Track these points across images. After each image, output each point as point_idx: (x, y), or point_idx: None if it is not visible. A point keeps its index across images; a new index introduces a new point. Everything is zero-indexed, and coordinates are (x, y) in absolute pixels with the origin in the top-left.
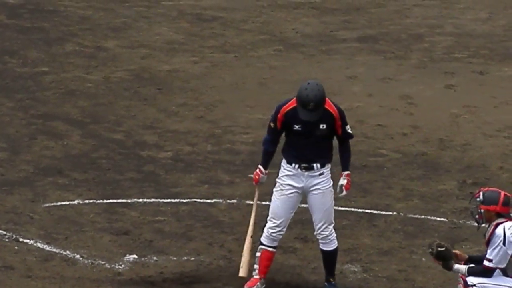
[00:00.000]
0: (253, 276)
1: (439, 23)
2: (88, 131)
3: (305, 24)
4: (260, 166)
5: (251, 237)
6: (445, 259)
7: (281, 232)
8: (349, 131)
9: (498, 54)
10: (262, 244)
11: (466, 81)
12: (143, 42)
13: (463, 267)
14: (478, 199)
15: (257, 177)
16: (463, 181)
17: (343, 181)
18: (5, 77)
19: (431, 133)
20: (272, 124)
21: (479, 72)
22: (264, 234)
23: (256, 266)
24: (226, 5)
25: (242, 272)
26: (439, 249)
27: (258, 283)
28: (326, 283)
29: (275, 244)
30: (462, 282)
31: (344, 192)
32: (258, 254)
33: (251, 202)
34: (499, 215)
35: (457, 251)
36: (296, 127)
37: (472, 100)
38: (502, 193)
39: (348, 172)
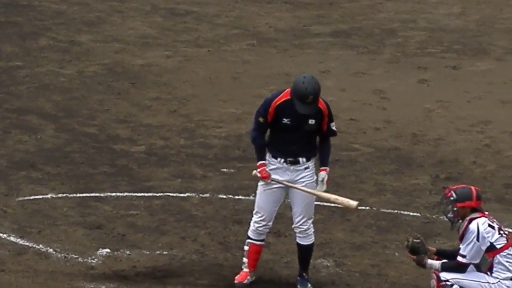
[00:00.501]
0: (242, 269)
1: (412, 18)
2: (62, 125)
3: (278, 18)
4: (260, 162)
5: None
6: (418, 252)
7: (268, 226)
8: (334, 128)
9: (471, 49)
10: (249, 238)
11: (439, 76)
12: (116, 36)
13: (436, 263)
14: (451, 198)
15: (264, 172)
16: (436, 176)
17: (324, 176)
18: None
19: (404, 128)
20: (261, 119)
21: (452, 67)
22: (250, 229)
23: (245, 260)
24: None
25: (352, 204)
26: (415, 240)
27: (248, 277)
28: (298, 278)
29: (262, 237)
30: (435, 277)
31: (325, 187)
32: (246, 248)
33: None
34: (473, 210)
35: (429, 247)
36: (285, 120)
37: (445, 95)
38: (473, 188)
39: (327, 167)
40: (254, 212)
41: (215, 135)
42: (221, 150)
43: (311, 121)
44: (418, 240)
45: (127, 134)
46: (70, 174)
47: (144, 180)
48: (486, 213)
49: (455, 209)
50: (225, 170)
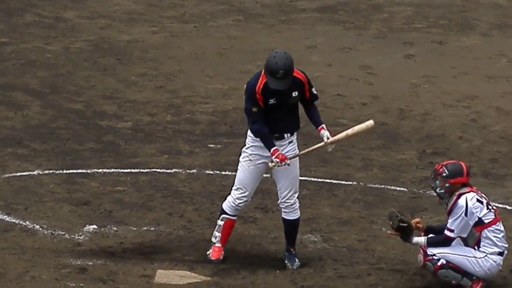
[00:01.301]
0: (214, 243)
1: None
2: (48, 101)
3: None
4: (273, 149)
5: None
6: (405, 233)
7: (247, 202)
8: (315, 92)
9: (457, 24)
10: (224, 213)
11: (425, 51)
12: (102, 12)
13: (422, 239)
14: (444, 174)
15: (281, 156)
16: (423, 151)
17: (326, 132)
18: None
19: (390, 103)
20: (255, 109)
21: (438, 42)
22: (228, 204)
23: (218, 234)
24: None
25: (369, 124)
26: (400, 224)
27: (222, 252)
28: (286, 253)
29: (237, 213)
30: (422, 252)
31: (331, 139)
32: (220, 223)
33: (211, 172)
34: (464, 185)
35: (417, 220)
36: (271, 101)
37: (432, 70)
38: (462, 163)
39: (323, 124)
40: (234, 188)
41: (202, 110)
42: (208, 125)
43: (295, 94)
44: (405, 224)
45: (113, 110)
46: (57, 150)
47: (131, 156)
48: (474, 188)
49: (447, 185)
50: (212, 146)
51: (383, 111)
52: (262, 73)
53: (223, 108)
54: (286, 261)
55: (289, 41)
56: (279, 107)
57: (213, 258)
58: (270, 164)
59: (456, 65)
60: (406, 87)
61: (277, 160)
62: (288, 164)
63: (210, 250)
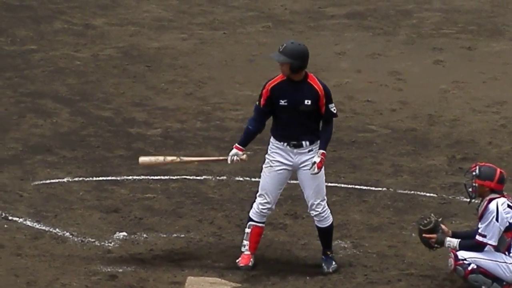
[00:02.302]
0: (243, 252)
1: None
2: (77, 108)
3: (293, 0)
4: (236, 144)
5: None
6: (437, 232)
7: (271, 208)
8: (333, 110)
9: (486, 29)
10: (251, 220)
11: (455, 56)
12: (131, 19)
13: (455, 241)
14: (474, 173)
15: (233, 156)
16: (452, 157)
17: (316, 159)
18: None
19: (420, 109)
20: (257, 102)
21: (467, 47)
22: (253, 210)
23: (246, 242)
24: None
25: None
26: (437, 219)
27: (251, 259)
28: (323, 256)
29: (264, 219)
30: (453, 256)
31: (316, 170)
32: (248, 230)
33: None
34: (492, 191)
35: (442, 226)
36: (282, 102)
37: (461, 76)
38: (498, 170)
39: (323, 151)
40: (258, 194)
41: (231, 117)
42: (238, 132)
43: (307, 102)
44: (440, 219)
45: (143, 117)
46: (86, 157)
47: None
48: (506, 194)
49: (474, 184)
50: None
51: (413, 117)
52: (281, 74)
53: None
54: (324, 265)
55: (318, 47)
56: (290, 110)
57: (242, 265)
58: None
59: (485, 71)
60: (435, 92)
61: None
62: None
63: (240, 258)
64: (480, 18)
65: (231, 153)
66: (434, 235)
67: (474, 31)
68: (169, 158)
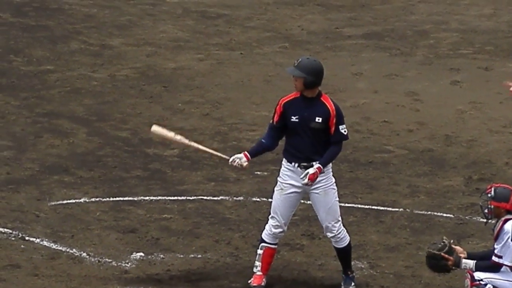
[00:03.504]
0: (255, 272)
1: (444, 19)
2: (94, 129)
3: (310, 21)
4: (245, 151)
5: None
6: (452, 253)
7: (283, 231)
8: (343, 131)
9: (503, 50)
10: (263, 241)
11: (472, 77)
12: (148, 40)
13: (471, 262)
14: (489, 195)
15: (237, 162)
16: (469, 177)
17: (311, 170)
18: (10, 75)
19: (437, 129)
20: (271, 121)
21: (485, 68)
22: (266, 232)
23: (258, 263)
24: (230, 2)
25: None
26: (449, 241)
27: (264, 279)
28: (343, 275)
29: (276, 241)
30: (469, 277)
31: (306, 181)
32: (260, 251)
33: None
34: (508, 212)
35: (456, 247)
36: (293, 118)
37: (478, 96)
38: None
39: (320, 166)
40: (270, 216)
41: (248, 138)
42: None
43: (318, 119)
44: (452, 241)
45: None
46: (103, 178)
47: (178, 183)
48: None
49: (490, 206)
50: (258, 173)
51: (430, 138)
52: (296, 92)
53: None
54: (342, 284)
55: (335, 68)
56: (302, 128)
57: (254, 285)
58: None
59: (502, 91)
60: (452, 113)
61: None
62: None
63: (252, 278)
64: (496, 38)
65: (236, 155)
66: (451, 257)
67: (491, 52)
68: (178, 137)
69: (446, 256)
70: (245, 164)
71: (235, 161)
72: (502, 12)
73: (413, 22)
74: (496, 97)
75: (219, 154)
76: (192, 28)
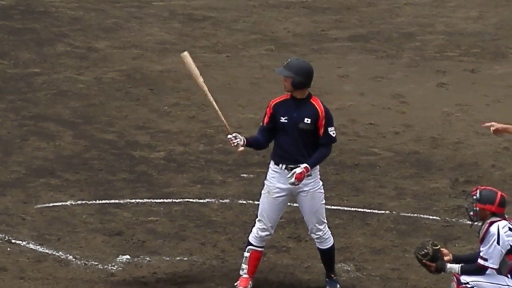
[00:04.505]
0: (241, 275)
1: (430, 21)
2: (80, 131)
3: (296, 23)
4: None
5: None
6: (437, 259)
7: (270, 234)
8: (332, 133)
9: (490, 52)
10: (250, 244)
11: (458, 79)
12: (134, 42)
13: (456, 266)
14: (474, 197)
15: (234, 142)
16: (456, 180)
17: (298, 170)
18: None
19: (423, 132)
20: (261, 123)
21: (471, 70)
22: (253, 235)
23: (244, 266)
24: (217, 5)
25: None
26: (434, 248)
27: (250, 282)
28: (327, 279)
29: (263, 244)
30: (455, 280)
31: (293, 180)
32: (246, 254)
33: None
34: (493, 214)
35: (442, 249)
36: (283, 119)
37: (464, 99)
38: (499, 193)
39: (307, 166)
40: (257, 219)
41: None
42: (241, 155)
43: (307, 120)
44: (437, 247)
45: (146, 140)
46: (89, 181)
47: (164, 186)
48: (507, 217)
49: (475, 208)
50: (244, 175)
51: (416, 140)
52: (286, 94)
53: None
54: (327, 287)
55: (321, 70)
56: (290, 129)
57: (240, 287)
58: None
59: (489, 93)
60: (439, 115)
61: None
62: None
63: (238, 281)
64: (483, 41)
65: (238, 135)
66: (433, 264)
67: (478, 54)
68: (201, 80)
69: (428, 263)
70: (241, 148)
71: (235, 139)
72: (488, 15)
73: (399, 25)
74: (482, 99)
75: (225, 122)
76: (179, 31)
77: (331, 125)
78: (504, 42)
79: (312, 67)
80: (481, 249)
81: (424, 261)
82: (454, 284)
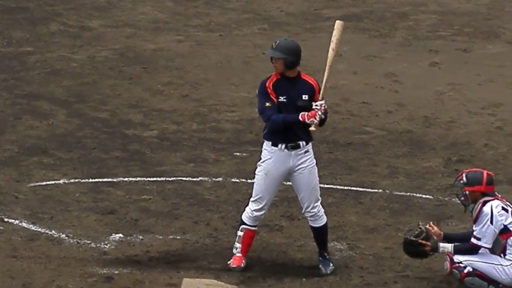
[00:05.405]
0: (234, 254)
1: (423, 1)
2: (73, 110)
3: (289, 2)
4: (300, 114)
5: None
6: (430, 238)
7: (264, 213)
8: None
9: (482, 32)
10: (244, 223)
11: (451, 59)
12: (127, 21)
13: (448, 245)
14: (461, 182)
15: (310, 114)
16: (448, 159)
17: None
18: None
19: (416, 111)
20: (268, 103)
21: (463, 50)
22: (246, 214)
23: (238, 245)
24: None
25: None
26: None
27: (243, 260)
28: (320, 258)
29: (257, 223)
30: (448, 259)
31: (320, 110)
32: (240, 233)
33: (237, 180)
34: (484, 194)
35: (431, 228)
36: (281, 98)
37: (457, 78)
38: (485, 172)
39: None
40: (253, 200)
41: (228, 119)
42: (234, 134)
43: (305, 97)
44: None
45: (139, 119)
46: (82, 159)
47: (157, 164)
48: (499, 196)
49: (465, 192)
50: (237, 154)
51: (409, 119)
52: (274, 74)
53: (249, 116)
54: (321, 266)
55: (314, 49)
56: (289, 107)
57: (234, 266)
58: (312, 127)
59: (481, 73)
60: (431, 94)
61: (312, 119)
62: (322, 115)
63: (231, 259)
64: (476, 20)
65: (313, 118)
66: (428, 243)
67: (470, 34)
68: (333, 54)
69: (424, 242)
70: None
71: (321, 110)
72: None
73: (392, 4)
74: (475, 78)
75: (322, 88)
76: (172, 10)
77: (322, 98)
78: (496, 22)
79: (299, 45)
80: (474, 228)
81: (419, 240)
82: (447, 264)
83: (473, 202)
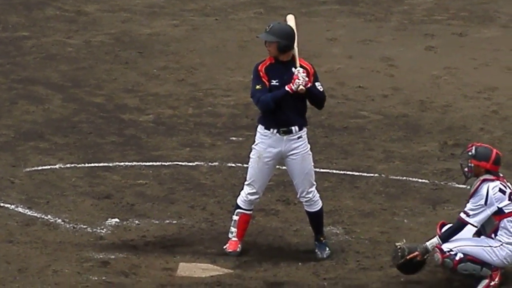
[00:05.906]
0: (230, 238)
1: None
2: (69, 95)
3: None
4: (286, 87)
5: None
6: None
7: (259, 197)
8: (320, 87)
9: (478, 16)
10: (239, 207)
11: (446, 42)
12: (123, 6)
13: (434, 239)
14: (470, 153)
15: (294, 82)
16: (444, 143)
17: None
18: None
19: (411, 95)
20: (259, 86)
21: (459, 34)
22: (241, 198)
23: (233, 229)
24: None
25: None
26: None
27: (239, 245)
28: (316, 242)
29: (252, 207)
30: (438, 250)
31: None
32: (235, 218)
33: (233, 164)
34: (488, 172)
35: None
36: (274, 82)
37: (452, 62)
38: (494, 151)
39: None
40: (246, 183)
41: (223, 103)
42: (230, 118)
43: None
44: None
45: (135, 103)
46: (78, 144)
47: (153, 149)
48: (501, 177)
49: (470, 165)
50: (233, 138)
51: (404, 103)
52: (268, 57)
53: (245, 100)
54: (317, 251)
55: (310, 33)
56: None
57: (230, 250)
58: (298, 89)
59: (477, 57)
60: (427, 78)
61: (297, 83)
62: (305, 77)
63: (227, 244)
64: (471, 4)
65: (298, 83)
66: (416, 252)
67: (466, 18)
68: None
69: (412, 255)
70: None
71: (300, 73)
72: None
73: None
74: (470, 62)
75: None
76: None
77: (318, 80)
78: (492, 6)
79: (293, 29)
80: (467, 204)
81: (408, 257)
82: (438, 255)
83: (475, 176)
